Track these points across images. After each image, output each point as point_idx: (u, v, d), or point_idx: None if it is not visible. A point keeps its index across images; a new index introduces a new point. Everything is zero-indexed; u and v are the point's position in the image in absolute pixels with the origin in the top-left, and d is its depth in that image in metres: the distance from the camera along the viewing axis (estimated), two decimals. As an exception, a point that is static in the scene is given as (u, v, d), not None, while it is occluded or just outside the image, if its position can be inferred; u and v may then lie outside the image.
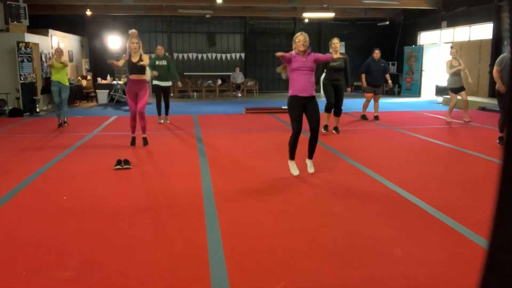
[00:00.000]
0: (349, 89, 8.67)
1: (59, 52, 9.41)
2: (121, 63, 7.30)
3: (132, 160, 6.08)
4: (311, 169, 5.46)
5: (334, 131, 8.53)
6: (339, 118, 8.58)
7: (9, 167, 6.00)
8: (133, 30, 7.21)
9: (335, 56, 6.11)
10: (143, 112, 7.15)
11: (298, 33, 5.29)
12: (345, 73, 8.27)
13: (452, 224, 3.72)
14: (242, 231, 3.63)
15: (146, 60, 7.05)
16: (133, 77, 7.14)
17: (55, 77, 9.24)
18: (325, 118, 8.51)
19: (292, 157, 5.41)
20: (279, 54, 5.07)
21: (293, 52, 5.24)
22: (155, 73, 9.48)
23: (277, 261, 3.06)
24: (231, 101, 16.36)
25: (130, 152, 6.80)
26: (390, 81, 10.19)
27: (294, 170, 5.38)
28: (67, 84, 9.45)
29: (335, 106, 8.39)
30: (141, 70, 7.10)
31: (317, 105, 5.33)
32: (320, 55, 5.37)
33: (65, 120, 9.72)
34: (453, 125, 9.64)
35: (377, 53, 9.94)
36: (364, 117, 10.34)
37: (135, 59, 7.03)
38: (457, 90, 9.69)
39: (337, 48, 8.08)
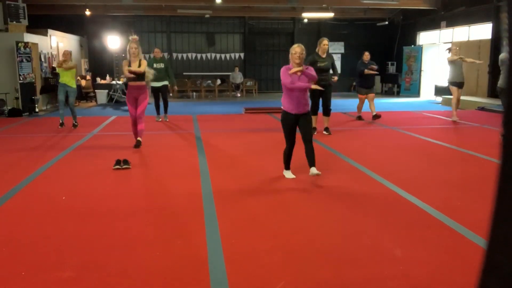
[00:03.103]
0: (335, 78, 8.43)
1: (66, 54, 9.39)
2: (125, 68, 7.12)
3: (131, 160, 6.08)
4: (315, 171, 5.04)
5: (324, 132, 8.46)
6: (329, 118, 8.49)
7: (8, 167, 6.00)
8: (134, 36, 7.22)
9: (295, 69, 5.06)
10: (142, 117, 7.17)
11: (295, 45, 5.08)
12: (333, 70, 8.32)
13: (451, 224, 3.72)
14: (241, 231, 3.63)
15: (143, 67, 7.05)
16: (132, 83, 7.14)
17: (62, 79, 9.28)
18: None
19: (287, 167, 5.36)
20: (294, 71, 4.93)
21: (290, 67, 5.03)
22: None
23: (277, 261, 3.07)
24: (231, 101, 16.36)
25: (129, 152, 6.79)
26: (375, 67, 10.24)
27: (290, 176, 5.31)
28: (74, 86, 9.42)
29: (323, 106, 8.35)
30: (140, 77, 7.11)
31: (311, 118, 5.25)
32: (309, 73, 5.05)
33: (75, 122, 9.54)
34: (454, 125, 9.63)
35: (366, 55, 10.20)
36: (359, 118, 10.39)
37: (134, 66, 7.02)
38: (457, 84, 9.67)
39: (325, 49, 8.24)
